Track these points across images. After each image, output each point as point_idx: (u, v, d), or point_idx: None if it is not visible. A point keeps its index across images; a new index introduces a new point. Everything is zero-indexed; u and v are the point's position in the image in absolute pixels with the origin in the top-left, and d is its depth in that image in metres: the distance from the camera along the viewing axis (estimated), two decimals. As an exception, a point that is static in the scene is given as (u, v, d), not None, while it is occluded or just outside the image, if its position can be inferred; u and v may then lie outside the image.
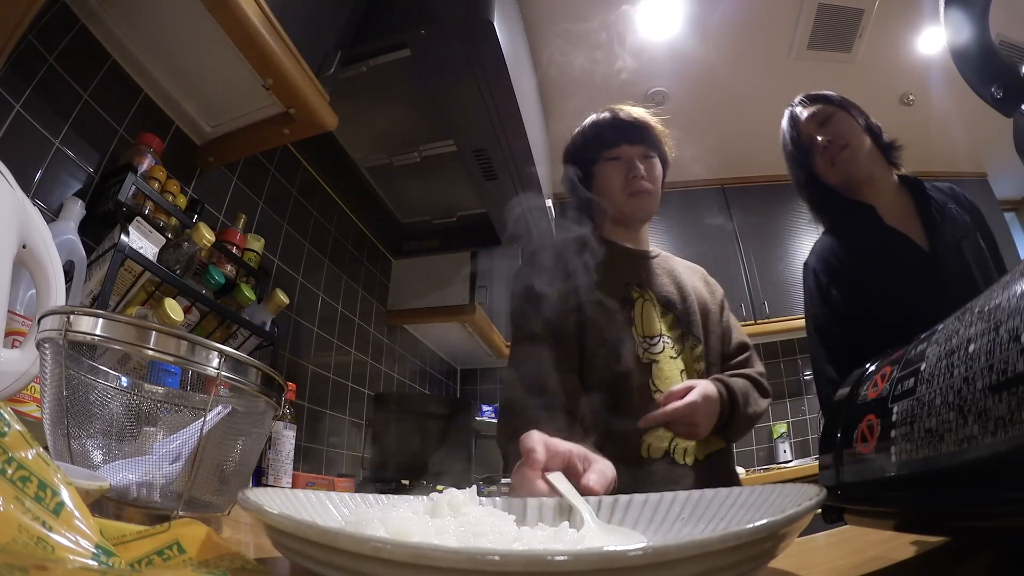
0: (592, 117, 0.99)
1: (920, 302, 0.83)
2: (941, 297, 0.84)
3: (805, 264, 1.05)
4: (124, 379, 0.50)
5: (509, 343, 0.90)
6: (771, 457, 2.63)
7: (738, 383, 0.86)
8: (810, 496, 0.26)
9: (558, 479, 0.43)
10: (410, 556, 0.17)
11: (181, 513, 0.43)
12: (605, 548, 0.17)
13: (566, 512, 0.41)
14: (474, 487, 0.39)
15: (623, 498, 0.40)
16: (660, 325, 0.88)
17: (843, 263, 0.98)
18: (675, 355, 0.87)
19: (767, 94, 2.41)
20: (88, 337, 0.42)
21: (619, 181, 0.95)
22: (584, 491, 0.45)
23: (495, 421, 2.21)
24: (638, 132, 0.96)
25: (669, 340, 0.87)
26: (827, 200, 1.06)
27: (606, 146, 0.96)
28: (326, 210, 1.84)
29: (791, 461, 2.50)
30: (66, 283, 0.64)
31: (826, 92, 1.06)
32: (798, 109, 1.07)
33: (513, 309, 0.89)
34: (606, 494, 0.52)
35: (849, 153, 0.98)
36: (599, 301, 0.84)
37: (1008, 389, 0.18)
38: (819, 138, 1.01)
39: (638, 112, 0.98)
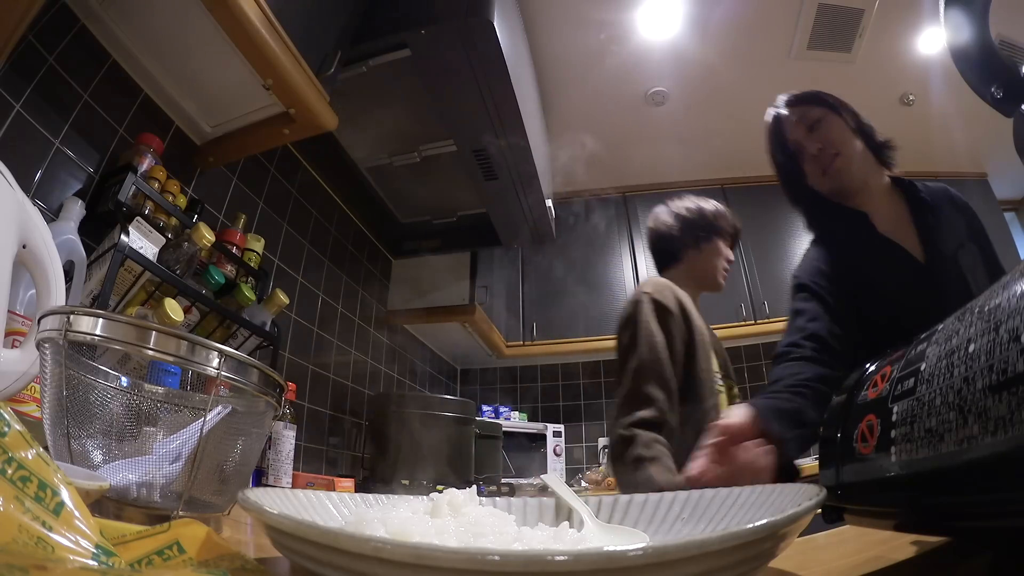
0: (726, 209, 1.31)
1: (915, 315, 0.76)
2: (936, 310, 0.75)
3: (794, 277, 0.98)
4: (124, 379, 0.50)
5: (635, 350, 1.07)
6: (771, 457, 2.63)
7: None
8: (810, 496, 0.26)
9: (554, 480, 0.43)
10: (410, 556, 0.17)
11: (181, 513, 0.43)
12: (605, 548, 0.17)
13: (566, 512, 0.41)
14: (474, 487, 0.39)
15: (623, 498, 0.40)
16: (714, 364, 1.12)
17: (836, 273, 0.93)
18: (723, 390, 1.13)
19: (767, 94, 2.41)
20: (88, 337, 0.42)
21: (723, 261, 1.26)
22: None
23: (495, 421, 2.22)
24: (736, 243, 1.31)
25: (719, 378, 1.13)
26: (817, 208, 1.00)
27: (727, 236, 1.28)
28: (326, 210, 1.84)
29: (791, 461, 2.50)
30: (66, 283, 0.64)
31: (814, 92, 0.98)
32: (784, 112, 0.99)
33: (645, 330, 1.07)
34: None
35: (842, 162, 0.92)
36: (699, 340, 1.10)
37: (1008, 389, 0.18)
38: (808, 146, 0.94)
39: None
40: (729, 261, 1.27)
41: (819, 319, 0.87)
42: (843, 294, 0.90)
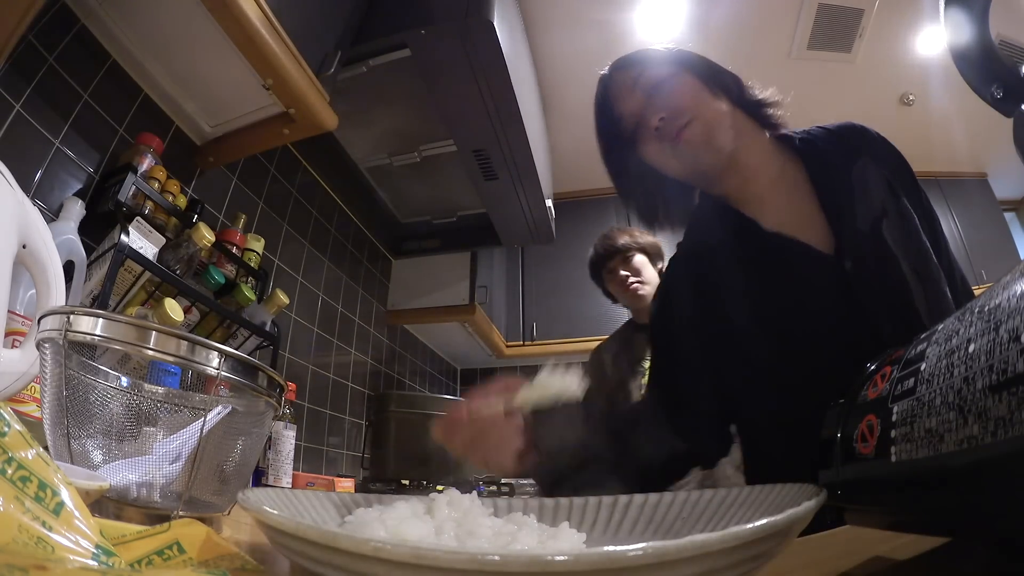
0: (612, 230, 1.60)
1: (833, 333, 0.59)
2: (857, 317, 0.59)
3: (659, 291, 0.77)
4: (124, 379, 0.50)
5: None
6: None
7: None
8: (810, 496, 0.26)
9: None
10: (410, 556, 0.17)
11: (181, 513, 0.43)
12: (605, 548, 0.17)
13: (565, 512, 0.41)
14: (475, 491, 0.39)
15: (623, 498, 0.40)
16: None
17: (709, 298, 0.67)
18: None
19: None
20: (88, 337, 0.42)
21: (617, 283, 1.51)
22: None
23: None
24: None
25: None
26: (673, 206, 0.76)
27: (616, 257, 1.54)
28: (326, 210, 1.84)
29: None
30: (66, 283, 0.64)
31: (650, 48, 0.74)
32: (616, 76, 0.73)
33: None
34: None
35: (695, 132, 0.65)
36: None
37: (1008, 389, 0.18)
38: (649, 117, 0.67)
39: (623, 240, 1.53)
40: (625, 277, 1.47)
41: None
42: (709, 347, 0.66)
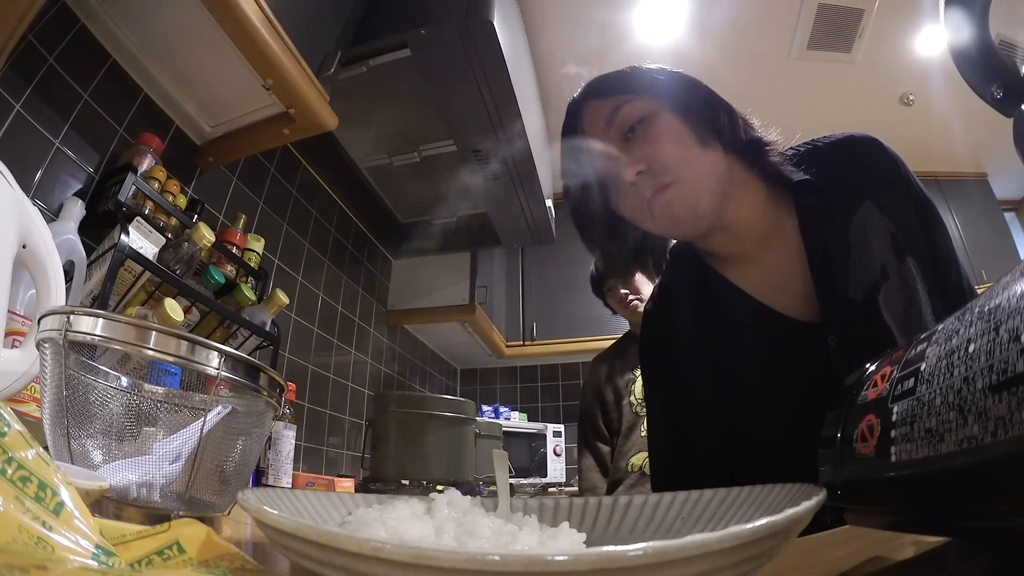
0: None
1: (802, 409, 0.45)
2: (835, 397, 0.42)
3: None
4: (124, 379, 0.50)
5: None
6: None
7: None
8: (810, 496, 0.26)
9: (499, 460, 0.43)
10: (410, 556, 0.17)
11: (181, 513, 0.43)
12: (605, 548, 0.17)
13: (565, 512, 0.41)
14: (478, 497, 0.39)
15: (622, 499, 0.40)
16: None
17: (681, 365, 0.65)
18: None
19: (767, 94, 2.42)
20: (88, 337, 0.42)
21: (619, 301, 1.51)
22: None
23: (495, 421, 2.22)
24: None
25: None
26: (650, 258, 0.71)
27: (617, 275, 1.51)
28: (326, 210, 1.84)
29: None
30: (66, 283, 0.64)
31: (630, 70, 0.63)
32: (589, 107, 0.63)
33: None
34: None
35: (676, 197, 0.56)
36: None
37: (1008, 389, 0.18)
38: (626, 169, 0.57)
39: None
40: (625, 295, 1.48)
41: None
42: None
